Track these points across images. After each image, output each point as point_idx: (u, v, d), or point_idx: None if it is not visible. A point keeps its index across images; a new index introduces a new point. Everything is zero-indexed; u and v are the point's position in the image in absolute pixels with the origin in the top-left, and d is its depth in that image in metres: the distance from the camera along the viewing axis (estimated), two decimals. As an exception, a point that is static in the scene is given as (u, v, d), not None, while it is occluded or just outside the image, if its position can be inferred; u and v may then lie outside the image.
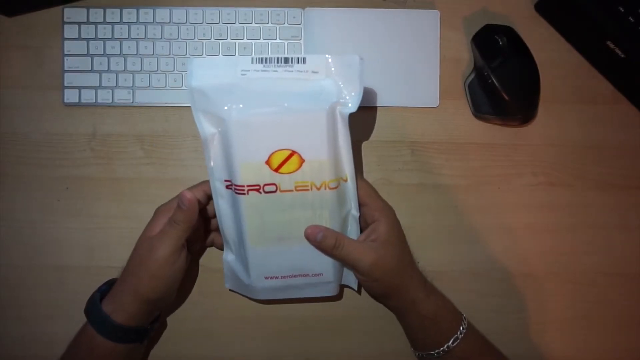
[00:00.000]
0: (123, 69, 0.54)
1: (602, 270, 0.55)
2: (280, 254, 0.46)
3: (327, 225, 0.46)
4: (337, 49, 0.55)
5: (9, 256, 0.53)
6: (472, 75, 0.55)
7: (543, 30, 0.56)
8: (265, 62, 0.45)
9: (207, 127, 0.45)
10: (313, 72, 0.45)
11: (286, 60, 0.45)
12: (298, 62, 0.45)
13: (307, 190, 0.45)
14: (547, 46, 0.56)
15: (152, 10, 0.54)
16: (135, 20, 0.54)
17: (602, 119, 0.56)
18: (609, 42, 0.52)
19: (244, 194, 0.44)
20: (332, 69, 0.45)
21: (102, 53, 0.54)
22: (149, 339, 0.49)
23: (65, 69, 0.53)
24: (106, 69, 0.53)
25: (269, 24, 0.55)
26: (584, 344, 0.54)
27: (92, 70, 0.53)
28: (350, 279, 0.50)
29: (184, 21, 0.54)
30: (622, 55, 0.52)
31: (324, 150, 0.44)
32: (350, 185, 0.47)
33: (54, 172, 0.53)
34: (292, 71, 0.45)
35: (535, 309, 0.55)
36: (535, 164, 0.56)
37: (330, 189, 0.45)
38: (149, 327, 0.48)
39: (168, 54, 0.54)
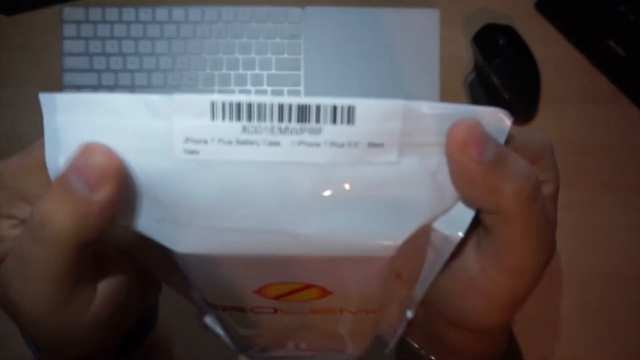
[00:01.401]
0: (122, 68, 0.53)
1: (602, 270, 0.55)
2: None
3: (359, 343, 0.28)
4: (338, 48, 0.55)
5: (9, 256, 0.53)
6: (473, 75, 0.55)
7: (543, 30, 0.56)
8: (249, 117, 0.17)
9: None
10: (371, 145, 0.18)
11: (303, 113, 0.17)
12: (335, 121, 0.17)
13: (334, 314, 0.24)
14: (547, 45, 0.56)
15: (151, 10, 0.54)
16: (134, 19, 0.54)
17: (603, 119, 0.56)
18: (609, 41, 0.52)
19: (216, 309, 0.24)
20: (420, 136, 0.18)
21: (102, 52, 0.53)
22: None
23: (65, 68, 0.53)
24: (105, 68, 0.53)
25: (269, 23, 0.54)
26: (584, 343, 0.54)
27: (91, 70, 0.53)
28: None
29: (184, 20, 0.54)
30: (623, 55, 0.52)
31: (376, 295, 0.22)
32: (420, 288, 0.23)
33: (53, 172, 0.53)
34: (319, 144, 0.18)
35: (534, 309, 0.55)
36: (536, 163, 0.56)
37: (374, 312, 0.24)
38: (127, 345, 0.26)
39: (167, 53, 0.54)
